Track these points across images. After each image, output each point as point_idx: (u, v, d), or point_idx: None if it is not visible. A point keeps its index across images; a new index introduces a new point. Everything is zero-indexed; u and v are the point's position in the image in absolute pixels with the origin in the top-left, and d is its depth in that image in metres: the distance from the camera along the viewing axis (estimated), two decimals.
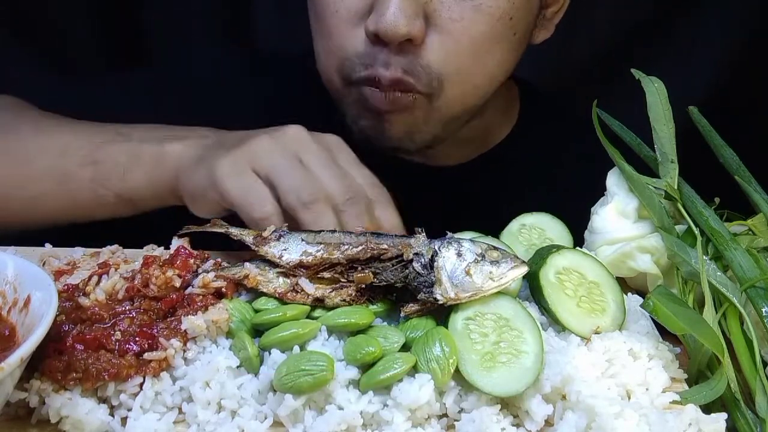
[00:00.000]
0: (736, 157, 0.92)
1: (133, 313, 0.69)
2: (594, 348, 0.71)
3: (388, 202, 0.86)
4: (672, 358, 0.73)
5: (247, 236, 0.77)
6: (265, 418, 0.64)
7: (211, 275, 0.73)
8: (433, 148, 1.10)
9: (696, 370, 0.73)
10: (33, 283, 0.65)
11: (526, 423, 0.64)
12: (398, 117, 1.00)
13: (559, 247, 0.79)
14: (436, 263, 0.71)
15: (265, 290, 0.73)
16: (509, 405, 0.66)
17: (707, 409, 0.67)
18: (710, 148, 0.94)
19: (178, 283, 0.72)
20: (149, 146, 0.91)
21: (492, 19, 0.95)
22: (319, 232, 0.77)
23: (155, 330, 0.67)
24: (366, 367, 0.65)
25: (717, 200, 0.88)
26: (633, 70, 0.91)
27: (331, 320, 0.69)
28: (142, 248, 0.85)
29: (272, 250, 0.75)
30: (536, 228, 0.91)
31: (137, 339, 0.66)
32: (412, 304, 0.71)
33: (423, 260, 0.72)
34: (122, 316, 0.68)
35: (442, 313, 0.71)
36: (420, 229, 0.75)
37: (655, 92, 0.89)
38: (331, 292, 0.72)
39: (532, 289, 0.76)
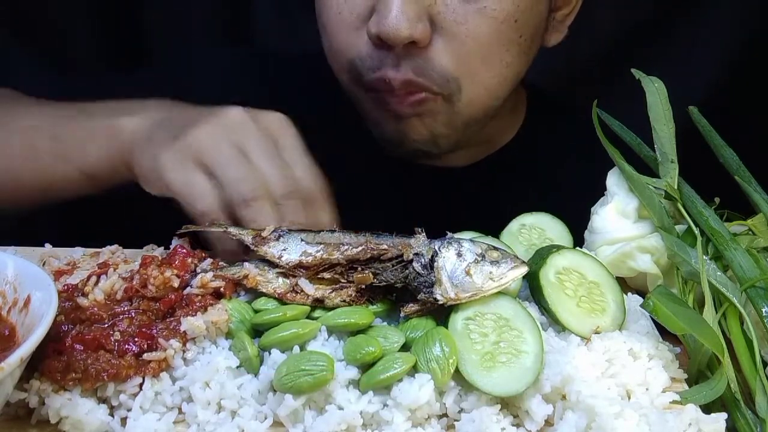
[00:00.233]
0: (736, 157, 0.92)
1: (132, 313, 0.69)
2: (594, 348, 0.71)
3: (324, 197, 0.84)
4: (672, 358, 0.73)
5: (247, 236, 0.77)
6: (265, 418, 0.64)
7: (210, 275, 0.73)
8: (454, 152, 1.10)
9: (696, 370, 0.73)
10: (33, 283, 0.65)
11: (526, 423, 0.64)
12: (420, 121, 1.01)
13: (559, 247, 0.79)
14: (436, 263, 0.71)
15: (264, 290, 0.73)
16: (509, 405, 0.66)
17: (707, 409, 0.67)
18: (710, 148, 0.94)
19: (176, 283, 0.72)
20: (104, 120, 0.90)
21: (496, 22, 0.95)
22: (319, 232, 0.77)
23: (154, 330, 0.67)
24: (366, 367, 0.65)
25: (717, 200, 0.88)
26: (633, 70, 0.91)
27: (331, 320, 0.69)
28: (141, 248, 0.85)
29: (271, 250, 0.75)
30: (536, 228, 0.91)
31: (136, 339, 0.66)
32: (412, 304, 0.71)
33: (423, 260, 0.72)
34: (121, 316, 0.68)
35: (442, 313, 0.71)
36: (420, 230, 0.75)
37: (655, 92, 0.89)
38: (330, 292, 0.72)
39: (532, 289, 0.76)
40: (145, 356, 0.65)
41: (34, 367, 0.62)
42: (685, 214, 0.84)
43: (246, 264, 0.75)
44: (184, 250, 0.76)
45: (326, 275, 0.73)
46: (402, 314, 0.71)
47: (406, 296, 0.72)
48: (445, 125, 1.02)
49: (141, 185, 0.86)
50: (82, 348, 0.64)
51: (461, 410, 0.65)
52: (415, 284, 0.71)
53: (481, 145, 1.19)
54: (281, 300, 0.72)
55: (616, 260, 0.83)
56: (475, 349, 0.67)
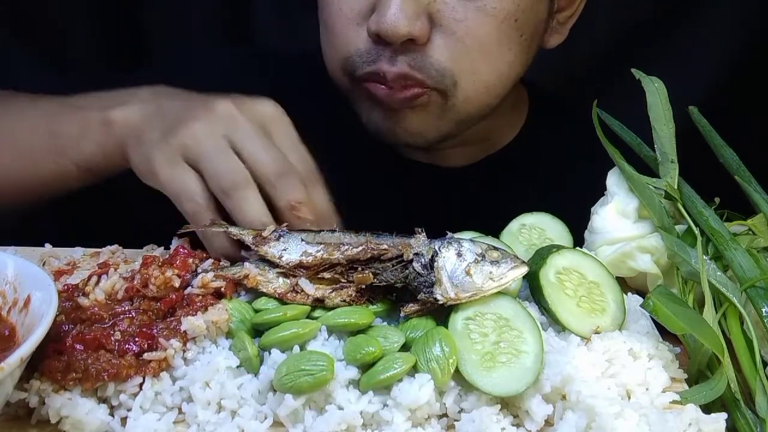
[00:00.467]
0: (736, 157, 0.92)
1: (133, 313, 0.69)
2: (594, 348, 0.71)
3: (318, 181, 0.83)
4: (672, 358, 0.73)
5: (247, 236, 0.77)
6: (265, 418, 0.64)
7: (210, 275, 0.73)
8: (441, 146, 1.10)
9: (696, 370, 0.73)
10: (33, 283, 0.65)
11: (526, 423, 0.64)
12: (412, 114, 1.01)
13: (559, 247, 0.79)
14: (436, 263, 0.71)
15: (264, 290, 0.73)
16: (509, 405, 0.66)
17: (707, 409, 0.67)
18: (710, 148, 0.94)
19: (177, 283, 0.72)
20: (96, 114, 0.90)
21: (496, 20, 0.95)
22: (319, 231, 0.77)
23: (155, 330, 0.67)
24: (366, 367, 0.65)
25: (717, 200, 0.88)
26: (633, 70, 0.91)
27: (331, 320, 0.69)
28: (142, 248, 0.85)
29: (272, 250, 0.75)
30: (536, 228, 0.91)
31: (137, 339, 0.66)
32: (412, 304, 0.71)
33: (423, 260, 0.72)
34: (122, 316, 0.68)
35: (442, 313, 0.71)
36: (420, 229, 0.75)
37: (655, 92, 0.89)
38: (331, 292, 0.72)
39: (532, 289, 0.76)
40: (146, 356, 0.65)
41: (34, 367, 0.62)
42: (685, 214, 0.84)
43: (246, 264, 0.75)
44: (185, 250, 0.76)
45: (326, 275, 0.73)
46: (402, 314, 0.71)
47: (406, 296, 0.72)
48: (436, 119, 1.02)
49: (138, 177, 0.86)
50: (82, 348, 0.64)
51: (461, 410, 0.65)
52: (415, 284, 0.71)
53: (482, 145, 1.19)
54: (281, 300, 0.72)
55: (616, 260, 0.83)
56: (475, 349, 0.67)
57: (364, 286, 0.72)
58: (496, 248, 0.73)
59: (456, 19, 0.94)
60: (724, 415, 0.65)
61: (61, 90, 1.07)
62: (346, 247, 0.74)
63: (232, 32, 1.58)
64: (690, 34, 1.54)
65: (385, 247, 0.74)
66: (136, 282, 0.71)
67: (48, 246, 0.85)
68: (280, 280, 0.74)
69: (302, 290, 0.72)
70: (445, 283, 0.70)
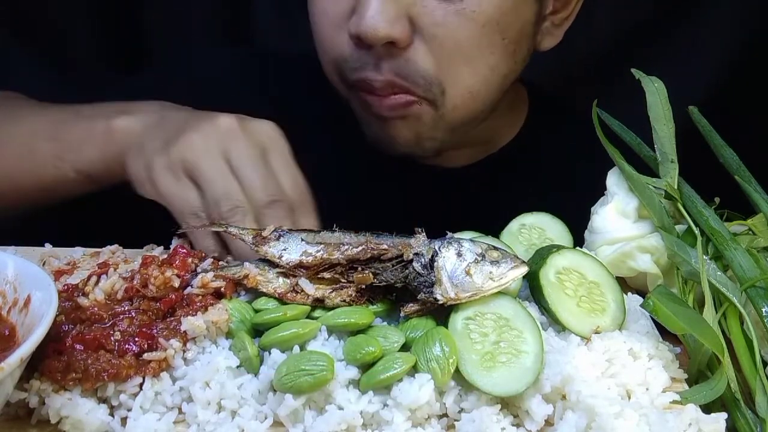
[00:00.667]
0: (736, 157, 0.92)
1: (133, 313, 0.69)
2: (594, 348, 0.71)
3: (310, 208, 0.85)
4: (672, 358, 0.73)
5: (247, 236, 0.77)
6: (265, 418, 0.64)
7: (210, 275, 0.73)
8: (441, 154, 1.11)
9: (696, 370, 0.73)
10: (33, 283, 0.65)
11: (526, 423, 0.64)
12: (404, 124, 1.01)
13: (559, 247, 0.79)
14: (436, 263, 0.71)
15: (264, 290, 0.73)
16: (509, 405, 0.66)
17: (707, 409, 0.67)
18: (710, 148, 0.94)
19: (176, 283, 0.72)
20: (100, 122, 0.92)
21: (476, 24, 0.94)
22: (319, 232, 0.77)
23: (155, 330, 0.67)
24: (366, 367, 0.65)
25: (717, 200, 0.88)
26: (633, 70, 0.91)
27: (331, 320, 0.69)
28: (142, 248, 0.85)
29: (272, 250, 0.75)
30: (536, 228, 0.91)
31: (137, 339, 0.66)
32: (412, 304, 0.71)
33: (423, 260, 0.72)
34: (121, 316, 0.68)
35: (442, 313, 0.71)
36: (420, 230, 0.75)
37: (655, 92, 0.89)
38: (331, 292, 0.72)
39: (532, 289, 0.76)
40: (146, 356, 0.65)
41: (34, 367, 0.62)
42: (685, 214, 0.84)
43: (246, 264, 0.75)
44: (185, 250, 0.76)
45: (326, 275, 0.73)
46: (402, 314, 0.71)
47: (406, 296, 0.72)
48: (430, 129, 1.02)
49: (134, 187, 0.87)
50: (82, 348, 0.64)
51: (461, 410, 0.65)
52: (415, 284, 0.71)
53: (481, 145, 1.19)
54: (281, 300, 0.72)
55: (616, 260, 0.83)
56: (475, 349, 0.67)
57: (364, 286, 0.72)
58: (496, 248, 0.73)
59: (436, 23, 0.94)
60: (724, 415, 0.65)
61: (61, 89, 1.08)
62: (346, 247, 0.74)
63: (232, 32, 1.58)
64: (690, 34, 1.54)
65: (385, 247, 0.74)
66: (135, 282, 0.71)
67: (48, 246, 0.85)
68: (280, 280, 0.74)
69: (302, 290, 0.72)
70: (445, 283, 0.70)
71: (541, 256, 0.78)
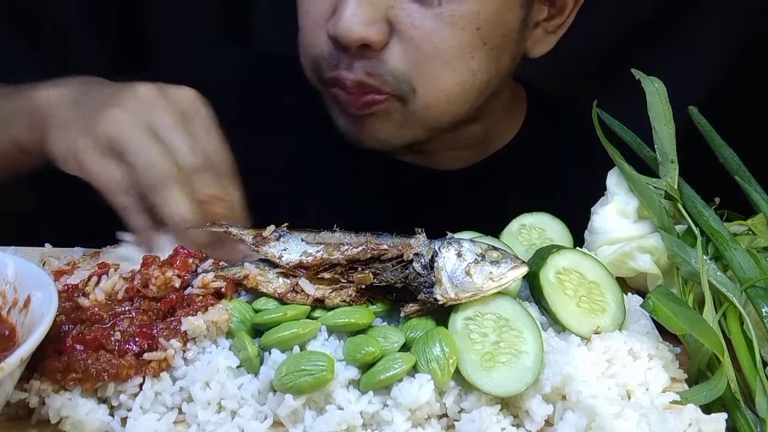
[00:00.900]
0: (736, 157, 0.92)
1: (133, 313, 0.69)
2: (594, 348, 0.71)
3: (232, 176, 0.84)
4: (672, 358, 0.73)
5: (247, 236, 0.77)
6: (265, 418, 0.64)
7: (211, 275, 0.73)
8: (421, 150, 1.10)
9: (696, 370, 0.73)
10: (33, 283, 0.65)
11: (526, 423, 0.65)
12: (375, 120, 1.01)
13: (559, 247, 0.79)
14: (436, 263, 0.71)
15: (264, 290, 0.73)
16: (509, 405, 0.66)
17: (707, 409, 0.67)
18: (710, 148, 0.94)
19: (177, 283, 0.72)
20: (24, 93, 0.91)
21: (455, 28, 0.94)
22: (319, 232, 0.77)
23: (155, 330, 0.67)
24: (366, 367, 0.65)
25: (717, 200, 0.88)
26: (633, 70, 0.91)
27: (331, 320, 0.69)
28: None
29: (272, 250, 0.75)
30: (536, 228, 0.91)
31: (137, 339, 0.66)
32: (412, 304, 0.71)
33: (423, 260, 0.72)
34: (122, 316, 0.68)
35: (442, 313, 0.71)
36: (420, 230, 0.75)
37: (655, 92, 0.89)
38: (331, 292, 0.72)
39: (532, 289, 0.76)
40: (146, 356, 0.65)
41: (34, 367, 0.62)
42: (685, 214, 0.84)
43: (246, 264, 0.75)
44: (185, 251, 0.76)
45: (326, 275, 0.73)
46: (402, 314, 0.71)
47: (406, 296, 0.72)
48: (400, 126, 1.02)
49: (57, 164, 0.86)
50: (82, 348, 0.64)
51: (461, 410, 0.65)
52: (415, 284, 0.71)
53: (480, 146, 1.18)
54: (281, 300, 0.72)
55: (616, 260, 0.83)
56: (475, 349, 0.67)
57: (364, 286, 0.72)
58: (496, 248, 0.73)
59: (414, 26, 0.94)
60: (724, 415, 0.65)
61: None
62: (346, 247, 0.74)
63: (232, 32, 1.58)
64: (690, 34, 1.54)
65: (385, 247, 0.74)
66: (136, 282, 0.71)
67: (48, 246, 0.85)
68: (280, 280, 0.74)
69: (302, 290, 0.72)
70: (445, 284, 0.70)
71: (541, 256, 0.78)
